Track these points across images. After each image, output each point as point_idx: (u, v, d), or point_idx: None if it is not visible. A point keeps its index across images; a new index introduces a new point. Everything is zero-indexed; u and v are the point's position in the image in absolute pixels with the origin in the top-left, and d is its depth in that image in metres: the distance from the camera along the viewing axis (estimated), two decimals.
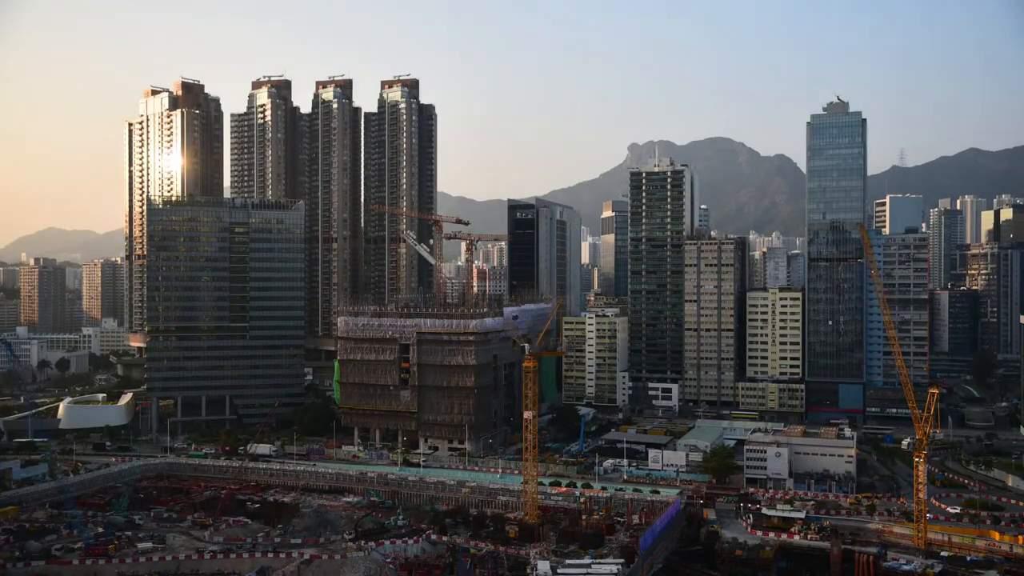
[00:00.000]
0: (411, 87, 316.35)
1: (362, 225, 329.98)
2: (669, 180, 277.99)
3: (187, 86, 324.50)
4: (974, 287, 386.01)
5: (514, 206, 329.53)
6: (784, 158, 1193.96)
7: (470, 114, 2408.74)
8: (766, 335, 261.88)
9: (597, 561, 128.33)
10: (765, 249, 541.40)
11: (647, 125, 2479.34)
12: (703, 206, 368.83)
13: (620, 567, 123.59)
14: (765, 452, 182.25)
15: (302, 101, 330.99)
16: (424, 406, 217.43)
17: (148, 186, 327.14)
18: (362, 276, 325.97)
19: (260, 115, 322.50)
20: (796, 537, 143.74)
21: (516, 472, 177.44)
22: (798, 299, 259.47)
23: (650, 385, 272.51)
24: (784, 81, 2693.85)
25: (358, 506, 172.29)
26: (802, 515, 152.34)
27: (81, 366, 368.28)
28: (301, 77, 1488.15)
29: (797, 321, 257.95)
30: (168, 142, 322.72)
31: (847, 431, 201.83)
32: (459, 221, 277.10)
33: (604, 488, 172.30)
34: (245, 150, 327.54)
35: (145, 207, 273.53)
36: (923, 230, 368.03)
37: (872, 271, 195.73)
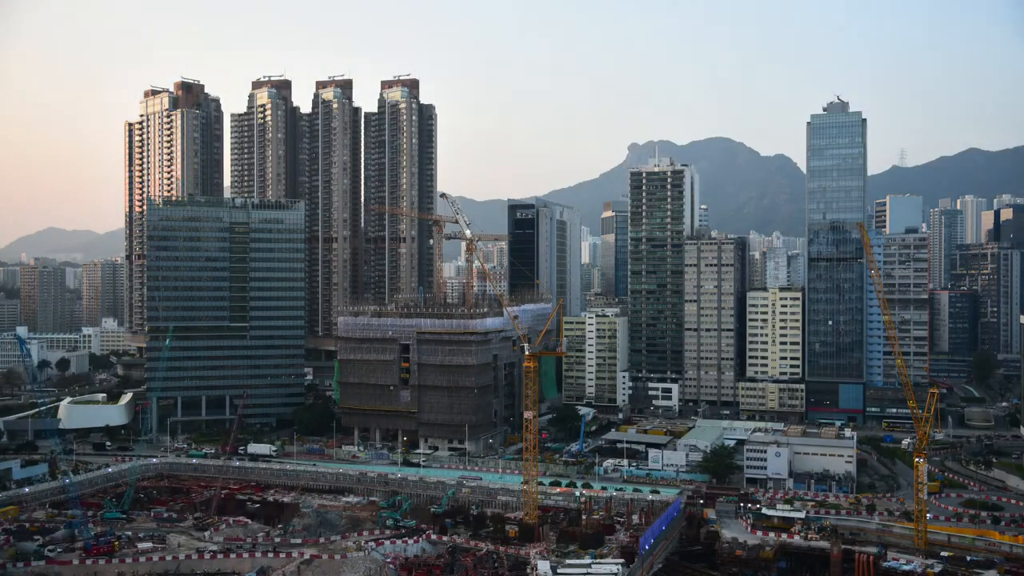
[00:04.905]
0: (411, 87, 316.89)
1: (362, 225, 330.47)
2: (669, 180, 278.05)
3: (187, 86, 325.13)
4: (974, 287, 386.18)
5: (514, 206, 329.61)
6: (784, 158, 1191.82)
7: (470, 114, 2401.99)
8: (766, 335, 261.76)
9: (597, 561, 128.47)
10: (765, 249, 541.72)
11: (647, 125, 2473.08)
12: (703, 206, 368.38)
13: (620, 567, 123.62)
14: (765, 452, 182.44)
15: (302, 101, 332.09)
16: (424, 406, 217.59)
17: (148, 186, 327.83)
18: (362, 276, 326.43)
19: (260, 115, 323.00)
20: (796, 537, 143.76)
21: (516, 472, 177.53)
22: (798, 299, 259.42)
23: (650, 385, 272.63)
24: (784, 81, 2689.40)
25: (359, 505, 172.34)
26: (802, 515, 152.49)
27: (81, 366, 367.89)
28: (301, 77, 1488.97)
29: (797, 321, 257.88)
30: (168, 142, 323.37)
31: (847, 431, 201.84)
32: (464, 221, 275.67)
33: (604, 488, 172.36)
34: (245, 150, 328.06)
35: (145, 207, 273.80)
36: (923, 230, 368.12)
37: (872, 271, 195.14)
